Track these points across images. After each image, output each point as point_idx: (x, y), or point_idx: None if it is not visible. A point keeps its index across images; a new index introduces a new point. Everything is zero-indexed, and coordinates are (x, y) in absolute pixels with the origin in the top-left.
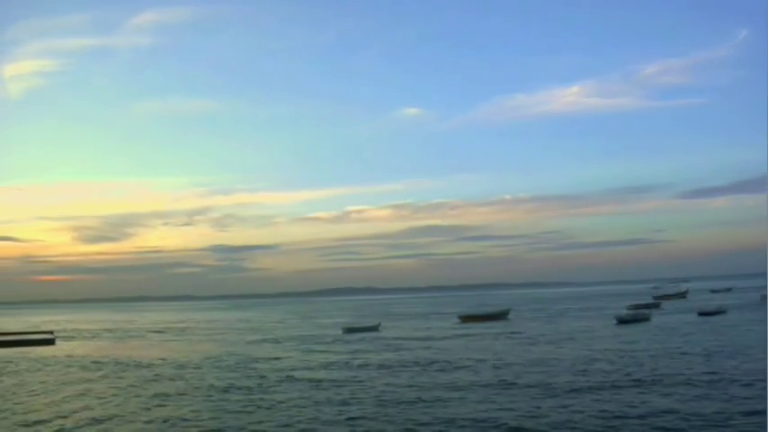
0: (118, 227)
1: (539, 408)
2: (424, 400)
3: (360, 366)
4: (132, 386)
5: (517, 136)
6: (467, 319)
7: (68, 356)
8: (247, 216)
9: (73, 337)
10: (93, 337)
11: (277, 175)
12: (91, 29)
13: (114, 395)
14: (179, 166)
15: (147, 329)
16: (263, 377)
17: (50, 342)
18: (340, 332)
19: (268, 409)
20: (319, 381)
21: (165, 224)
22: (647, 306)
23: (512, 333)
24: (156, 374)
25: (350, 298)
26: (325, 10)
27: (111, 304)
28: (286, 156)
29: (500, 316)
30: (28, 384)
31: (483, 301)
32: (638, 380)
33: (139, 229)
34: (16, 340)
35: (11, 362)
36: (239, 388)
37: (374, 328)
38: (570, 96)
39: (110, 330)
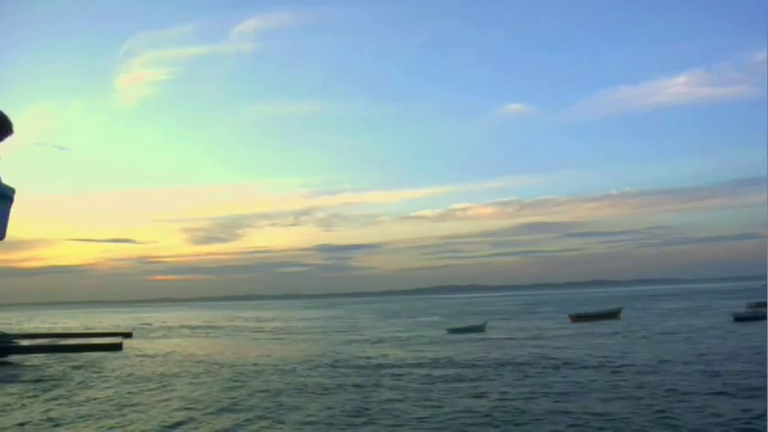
0: (227, 228)
1: (664, 412)
2: (542, 403)
3: (469, 367)
4: (233, 384)
5: (623, 129)
6: (578, 318)
7: (165, 354)
8: (352, 215)
9: (171, 335)
10: (193, 335)
11: (381, 174)
12: (198, 38)
13: (207, 394)
14: (285, 167)
15: (248, 327)
16: (368, 377)
17: (117, 347)
18: (445, 332)
19: (377, 410)
20: (428, 381)
21: (273, 224)
22: None
23: (626, 332)
24: (257, 372)
25: (454, 296)
26: (423, 10)
27: (221, 303)
28: (390, 155)
29: (611, 315)
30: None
31: (589, 299)
32: None
33: (248, 230)
34: (74, 345)
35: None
36: (344, 387)
37: (480, 328)
38: (677, 87)
39: (212, 328)
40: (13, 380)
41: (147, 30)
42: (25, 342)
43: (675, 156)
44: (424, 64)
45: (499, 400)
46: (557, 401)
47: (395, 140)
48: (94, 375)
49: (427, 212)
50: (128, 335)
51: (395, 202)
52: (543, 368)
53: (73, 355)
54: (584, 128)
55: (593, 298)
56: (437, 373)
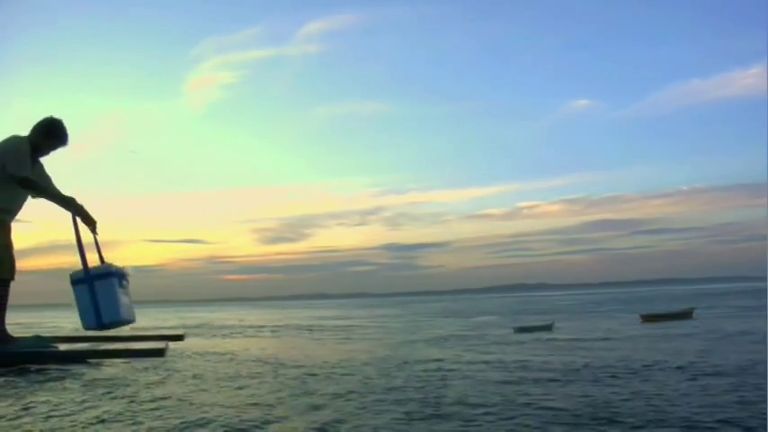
0: (295, 228)
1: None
2: (628, 407)
3: (541, 369)
4: (300, 386)
5: (693, 123)
6: (649, 318)
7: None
8: (419, 214)
9: (232, 335)
10: (255, 335)
11: (448, 173)
12: (264, 41)
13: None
14: (352, 167)
15: (314, 327)
16: (436, 378)
17: (159, 353)
18: (511, 331)
19: (450, 411)
20: (500, 382)
21: (340, 224)
22: None
23: (702, 333)
24: (325, 373)
25: (522, 294)
26: (487, 10)
27: (289, 302)
28: (456, 154)
29: (684, 315)
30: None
31: (659, 297)
32: None
33: (316, 230)
34: (113, 350)
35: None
36: (413, 388)
37: (548, 328)
38: (750, 78)
39: (276, 327)
40: (40, 389)
41: (214, 34)
42: (63, 346)
43: (748, 150)
44: (490, 62)
45: (581, 403)
46: (646, 405)
47: (461, 139)
48: (134, 385)
49: (494, 211)
50: (179, 337)
51: (461, 200)
52: (622, 371)
53: (109, 362)
54: (653, 123)
55: (662, 296)
56: (508, 373)
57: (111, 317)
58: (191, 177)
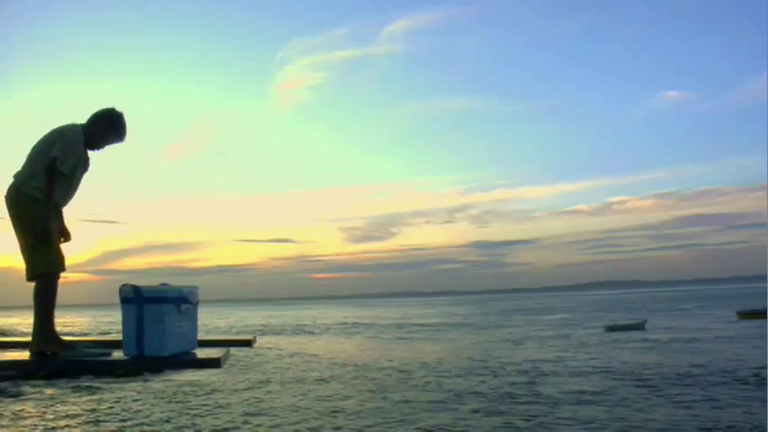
0: (383, 226)
1: None
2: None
3: (633, 374)
4: (372, 390)
5: None
6: (746, 315)
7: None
8: (506, 211)
9: (308, 335)
10: (337, 334)
11: (535, 169)
12: (349, 41)
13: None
14: (438, 165)
15: (403, 325)
16: (531, 383)
17: (215, 363)
18: (602, 330)
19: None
20: (598, 390)
21: (427, 222)
22: None
23: None
24: (406, 377)
25: (612, 292)
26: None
27: (377, 300)
28: (544, 149)
29: None
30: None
31: (756, 294)
32: None
33: (403, 228)
34: (163, 359)
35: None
36: (506, 395)
37: (640, 326)
38: None
39: (360, 326)
40: (94, 395)
41: (300, 37)
42: (117, 353)
43: None
44: (578, 52)
45: (700, 417)
46: None
47: (548, 135)
48: (192, 390)
49: (583, 206)
50: (247, 342)
51: (549, 196)
52: (739, 377)
53: (165, 374)
54: (749, 112)
55: (759, 293)
56: (606, 378)
57: (154, 351)
58: (279, 178)
